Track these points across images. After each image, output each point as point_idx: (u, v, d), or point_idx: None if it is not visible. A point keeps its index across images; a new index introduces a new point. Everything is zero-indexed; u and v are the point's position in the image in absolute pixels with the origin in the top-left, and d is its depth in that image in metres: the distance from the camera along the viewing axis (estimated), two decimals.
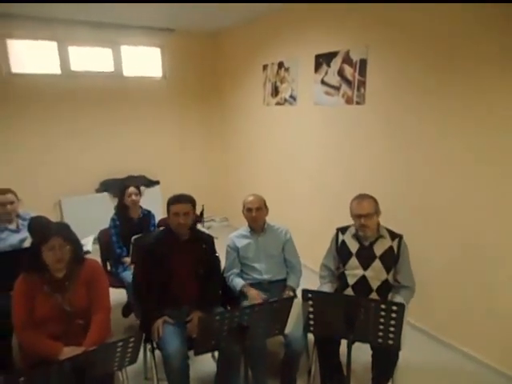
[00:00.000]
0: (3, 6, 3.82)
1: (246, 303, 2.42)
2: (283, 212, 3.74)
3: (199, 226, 4.80)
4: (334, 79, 3.59)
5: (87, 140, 4.83)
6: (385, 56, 3.10)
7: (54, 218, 4.02)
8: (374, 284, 2.33)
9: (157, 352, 2.22)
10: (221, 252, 2.71)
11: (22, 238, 2.89)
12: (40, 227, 2.21)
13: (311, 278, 2.94)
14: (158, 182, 5.22)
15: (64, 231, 1.99)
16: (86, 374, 1.51)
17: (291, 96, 4.18)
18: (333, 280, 2.48)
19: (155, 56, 5.24)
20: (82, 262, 2.08)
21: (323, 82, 3.70)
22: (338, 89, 3.56)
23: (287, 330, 2.01)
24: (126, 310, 3.18)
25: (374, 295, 2.32)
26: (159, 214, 3.55)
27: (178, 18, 4.48)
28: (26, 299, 1.93)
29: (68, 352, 1.81)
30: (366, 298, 2.19)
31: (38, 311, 1.94)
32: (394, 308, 1.66)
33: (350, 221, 2.42)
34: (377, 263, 2.32)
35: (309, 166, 4.11)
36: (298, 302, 1.95)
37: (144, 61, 5.18)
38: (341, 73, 3.50)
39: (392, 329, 1.70)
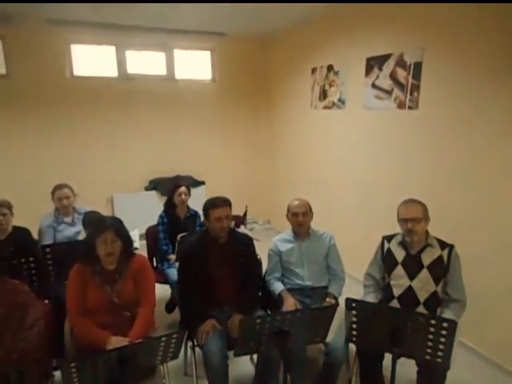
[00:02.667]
0: (70, 14, 4.09)
1: (283, 309, 2.40)
2: (327, 217, 3.66)
3: (242, 228, 4.87)
4: (385, 83, 3.48)
5: (139, 139, 5.04)
6: (442, 59, 2.96)
7: (105, 213, 4.22)
8: (422, 296, 2.22)
9: (197, 350, 2.26)
10: (262, 254, 2.71)
11: (77, 230, 3.07)
12: (95, 221, 2.32)
13: (354, 287, 2.86)
14: (203, 183, 5.33)
15: (117, 226, 2.08)
16: (130, 365, 1.57)
17: (340, 100, 4.11)
18: (377, 290, 2.39)
19: (205, 59, 5.37)
20: (131, 257, 2.18)
21: (374, 86, 3.60)
22: (389, 93, 3.45)
23: (328, 339, 1.97)
24: (170, 306, 3.26)
25: (421, 309, 2.21)
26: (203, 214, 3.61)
27: (229, 21, 4.56)
28: (79, 288, 2.04)
29: (115, 342, 1.89)
30: (413, 311, 2.09)
31: (88, 301, 2.04)
32: (445, 325, 1.57)
33: (396, 229, 2.32)
34: (424, 273, 2.21)
35: (356, 170, 4.01)
36: (340, 310, 1.91)
37: (194, 64, 5.32)
38: (393, 76, 3.39)
39: (441, 346, 1.61)
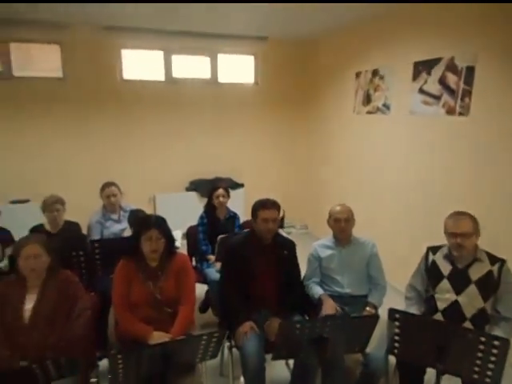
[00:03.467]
0: (121, 21, 4.29)
1: (321, 314, 2.38)
2: (369, 225, 3.58)
3: (279, 232, 4.86)
4: (434, 88, 3.36)
5: (182, 141, 5.17)
6: (497, 63, 2.82)
7: (148, 211, 4.36)
8: (468, 312, 2.12)
9: (233, 350, 2.28)
10: (298, 259, 2.68)
11: (122, 227, 3.20)
12: (140, 219, 2.41)
13: (395, 298, 2.77)
14: (242, 185, 5.38)
15: (161, 225, 2.16)
16: (172, 360, 1.62)
17: (384, 105, 4.01)
18: (419, 302, 2.32)
19: (248, 63, 5.44)
20: (173, 255, 2.24)
21: (421, 91, 3.49)
22: (438, 98, 3.33)
23: (368, 349, 1.93)
24: (204, 307, 3.31)
25: (467, 324, 2.11)
26: (242, 216, 3.65)
27: (272, 26, 4.59)
28: (124, 283, 2.12)
29: (157, 337, 1.95)
30: (461, 326, 2.00)
31: (132, 295, 2.12)
32: (496, 343, 1.49)
33: (442, 241, 2.23)
34: (472, 289, 2.11)
35: (400, 178, 3.89)
36: (381, 320, 1.86)
37: (237, 68, 5.40)
38: (442, 81, 3.27)
39: (491, 366, 1.53)
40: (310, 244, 2.72)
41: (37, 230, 2.89)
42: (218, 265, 3.06)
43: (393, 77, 3.88)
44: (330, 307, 2.37)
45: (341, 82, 4.79)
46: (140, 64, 4.98)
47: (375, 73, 4.14)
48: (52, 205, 2.91)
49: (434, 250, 2.31)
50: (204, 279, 3.14)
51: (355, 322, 1.79)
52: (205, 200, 3.57)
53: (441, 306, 2.18)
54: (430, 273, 2.26)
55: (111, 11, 3.86)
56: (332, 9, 3.72)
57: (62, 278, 2.03)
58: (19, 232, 2.92)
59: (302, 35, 5.07)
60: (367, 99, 4.29)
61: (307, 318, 2.54)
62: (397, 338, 1.75)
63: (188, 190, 5.22)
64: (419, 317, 2.07)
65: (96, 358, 2.16)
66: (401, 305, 2.32)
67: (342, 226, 2.54)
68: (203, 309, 3.31)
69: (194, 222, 3.47)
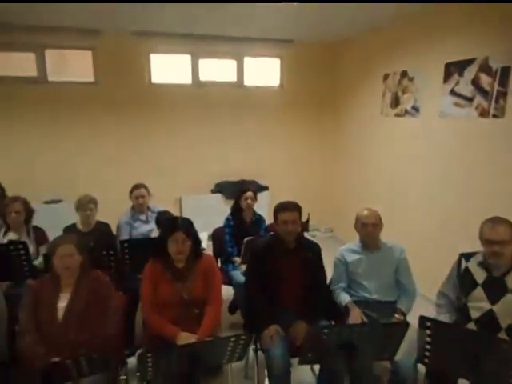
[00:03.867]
0: (149, 26, 4.39)
1: (348, 321, 2.34)
2: (397, 230, 3.51)
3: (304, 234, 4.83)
4: (466, 89, 3.26)
5: (207, 143, 5.22)
6: None
7: (174, 213, 4.44)
8: (504, 322, 2.03)
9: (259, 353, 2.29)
10: (323, 263, 2.65)
11: (150, 228, 3.26)
12: (167, 221, 2.45)
13: (424, 305, 2.71)
14: (267, 188, 5.39)
15: (188, 227, 2.19)
16: (200, 361, 1.63)
17: (413, 107, 3.93)
18: (451, 310, 2.24)
19: (274, 66, 5.45)
20: (199, 257, 2.27)
21: (453, 93, 3.40)
22: (470, 100, 3.23)
23: (397, 357, 1.88)
24: (233, 308, 3.32)
25: (502, 335, 2.03)
26: (266, 218, 3.65)
27: (298, 28, 4.58)
28: (152, 283, 2.17)
29: (184, 337, 1.98)
30: (497, 336, 1.93)
31: (160, 296, 2.16)
32: None
33: (474, 247, 2.16)
34: (509, 298, 2.03)
35: (429, 182, 3.80)
36: (411, 328, 1.82)
37: (263, 70, 5.42)
38: (476, 82, 3.17)
39: None
40: (335, 248, 2.69)
41: (69, 229, 2.99)
42: (244, 267, 3.07)
43: (422, 78, 3.79)
44: (356, 317, 2.34)
45: (368, 84, 4.73)
46: (168, 68, 5.08)
47: (404, 74, 4.06)
48: (86, 204, 3.00)
49: (467, 256, 2.23)
50: (229, 281, 3.15)
51: (384, 328, 1.76)
52: (230, 202, 3.59)
53: (474, 315, 2.11)
54: (463, 280, 2.19)
55: (140, 16, 3.96)
56: (359, 10, 3.68)
57: (94, 277, 2.09)
58: (52, 231, 3.04)
59: (327, 37, 5.04)
60: (395, 101, 4.21)
61: (333, 323, 2.52)
62: (427, 346, 1.70)
63: (213, 192, 5.27)
64: (451, 325, 2.01)
65: (125, 355, 2.20)
66: (430, 313, 2.25)
67: (369, 230, 2.49)
68: (232, 310, 3.32)
69: (219, 223, 3.50)
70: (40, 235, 3.03)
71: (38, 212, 3.26)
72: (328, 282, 2.61)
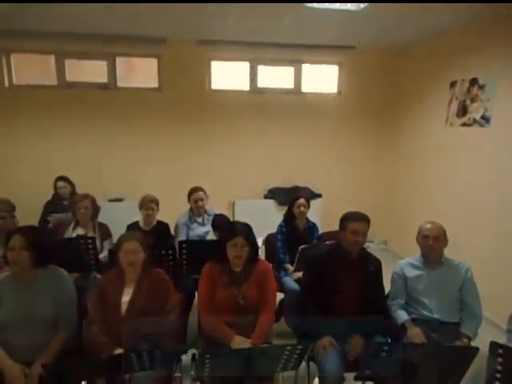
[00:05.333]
0: (211, 34, 4.54)
1: (405, 340, 2.23)
2: (459, 247, 3.31)
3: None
4: None
5: (262, 149, 5.27)
6: None
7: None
8: None
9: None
10: None
11: (206, 230, 3.35)
12: (227, 225, 2.50)
13: (487, 329, 2.50)
14: (320, 195, 5.31)
15: (247, 233, 2.21)
16: (253, 367, 1.64)
17: (483, 117, 3.69)
18: None
19: (332, 73, 5.38)
20: (256, 262, 2.29)
21: None
22: None
23: None
24: (277, 316, 3.29)
25: None
26: (319, 227, 3.59)
27: (361, 34, 4.50)
28: (209, 285, 2.21)
29: (239, 341, 2.00)
30: None
31: (216, 299, 2.20)
32: None
33: None
34: None
35: (499, 197, 3.53)
36: (480, 354, 1.69)
37: (320, 77, 5.37)
38: None
39: None
40: (389, 261, 2.59)
41: (133, 226, 3.14)
42: (296, 275, 3.05)
43: (495, 86, 3.55)
44: (416, 336, 2.22)
45: (432, 93, 4.52)
46: (227, 74, 5.21)
47: (473, 82, 3.83)
48: (148, 203, 3.15)
49: None
50: (281, 288, 3.14)
51: (451, 351, 1.65)
52: (281, 208, 3.59)
53: None
54: None
55: (204, 25, 4.10)
56: (429, 12, 3.52)
57: (155, 274, 2.17)
58: (114, 227, 3.23)
59: (391, 43, 4.89)
60: (463, 110, 3.98)
61: (389, 339, 2.41)
62: (498, 375, 1.58)
63: (266, 197, 5.29)
64: None
65: (180, 353, 2.27)
66: (497, 338, 2.09)
67: (430, 243, 2.38)
68: (276, 318, 3.30)
69: (270, 229, 3.50)
70: (104, 231, 3.21)
71: (102, 209, 3.47)
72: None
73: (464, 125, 3.96)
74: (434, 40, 4.41)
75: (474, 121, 3.81)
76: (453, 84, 4.13)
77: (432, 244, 2.37)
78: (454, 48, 4.10)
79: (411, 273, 2.45)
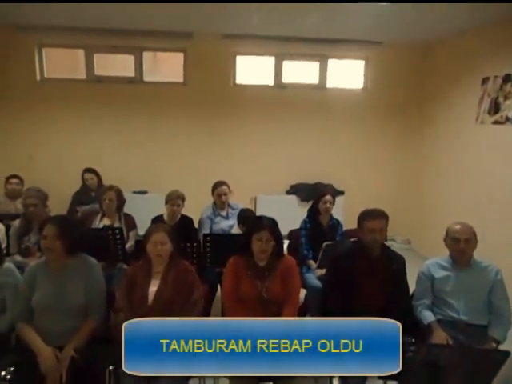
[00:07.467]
0: (237, 29, 4.54)
1: (431, 341, 2.19)
2: (486, 249, 3.22)
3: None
4: None
5: (285, 144, 5.25)
6: None
7: None
8: None
9: None
10: None
11: (230, 224, 3.37)
12: (253, 219, 2.51)
13: None
14: (342, 193, 5.26)
15: (273, 227, 2.21)
16: None
17: None
18: None
19: (358, 68, 5.30)
20: (280, 257, 2.29)
21: None
22: None
23: None
24: (302, 312, 3.29)
25: None
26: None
27: (389, 29, 4.40)
28: (234, 278, 2.23)
29: None
30: None
31: (240, 292, 2.21)
32: None
33: None
34: None
35: None
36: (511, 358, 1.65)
37: (346, 73, 5.30)
38: None
39: None
40: (413, 261, 2.55)
41: (157, 220, 3.19)
42: (319, 271, 3.04)
43: None
44: (441, 338, 2.18)
45: (462, 89, 4.39)
46: (251, 69, 5.20)
47: (507, 78, 3.70)
48: (175, 199, 3.19)
49: None
50: (303, 284, 3.14)
51: (479, 355, 1.62)
52: (304, 204, 3.57)
53: None
54: None
55: (230, 19, 4.10)
56: (457, 9, 3.41)
57: (182, 267, 2.21)
58: (137, 219, 3.29)
59: (420, 39, 4.78)
60: (495, 107, 3.85)
61: (413, 339, 2.38)
62: None
63: (288, 193, 5.28)
64: None
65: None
66: None
67: (461, 246, 2.31)
68: (302, 314, 3.30)
69: (292, 225, 3.48)
70: (130, 221, 3.27)
71: (126, 201, 3.52)
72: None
73: (496, 123, 3.84)
74: (465, 34, 4.28)
75: (507, 118, 3.69)
76: (485, 80, 4.01)
77: (463, 247, 2.30)
78: (488, 42, 3.98)
79: (439, 273, 2.39)
